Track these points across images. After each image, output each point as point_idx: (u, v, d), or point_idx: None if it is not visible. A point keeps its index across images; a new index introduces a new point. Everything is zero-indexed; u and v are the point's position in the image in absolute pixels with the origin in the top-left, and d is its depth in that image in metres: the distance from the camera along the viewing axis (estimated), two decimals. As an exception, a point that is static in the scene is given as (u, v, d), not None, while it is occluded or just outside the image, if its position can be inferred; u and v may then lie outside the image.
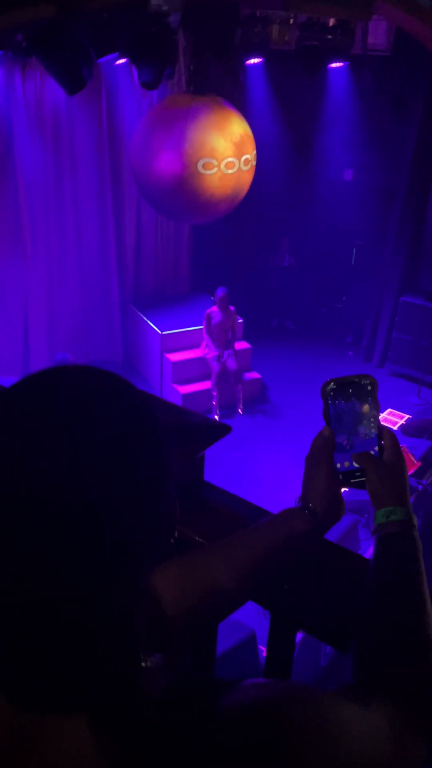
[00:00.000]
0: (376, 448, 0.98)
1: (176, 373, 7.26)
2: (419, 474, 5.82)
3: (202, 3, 5.03)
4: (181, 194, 5.40)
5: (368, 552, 0.94)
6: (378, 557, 0.88)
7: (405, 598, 0.81)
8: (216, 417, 7.13)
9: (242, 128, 5.57)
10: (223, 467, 6.16)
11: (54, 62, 4.13)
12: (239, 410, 7.29)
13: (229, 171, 5.42)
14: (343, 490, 1.00)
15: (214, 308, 7.03)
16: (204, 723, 0.58)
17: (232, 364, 7.06)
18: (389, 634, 0.78)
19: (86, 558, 0.55)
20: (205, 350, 7.17)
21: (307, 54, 5.71)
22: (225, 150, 5.35)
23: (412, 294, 7.77)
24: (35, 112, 6.61)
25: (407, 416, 7.07)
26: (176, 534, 0.66)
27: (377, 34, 6.72)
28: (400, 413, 7.20)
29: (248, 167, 5.63)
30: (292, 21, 6.05)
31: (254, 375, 7.62)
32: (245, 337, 7.73)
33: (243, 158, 5.50)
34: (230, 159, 5.40)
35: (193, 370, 7.28)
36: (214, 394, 7.12)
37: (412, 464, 5.63)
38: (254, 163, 5.73)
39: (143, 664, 0.65)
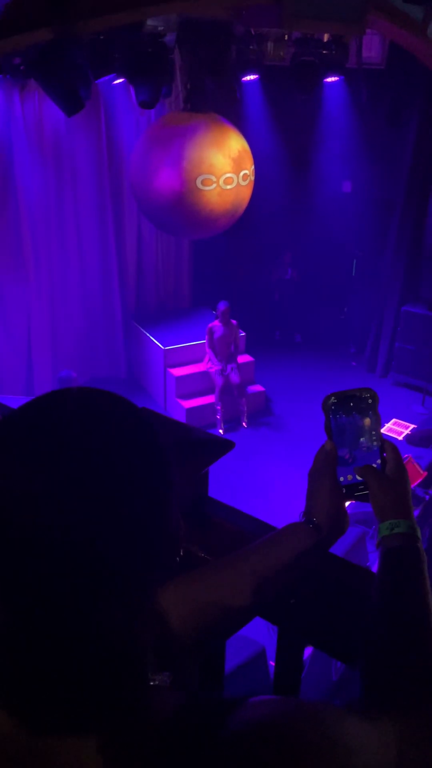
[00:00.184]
0: (379, 461, 0.99)
1: (180, 387, 7.28)
2: (426, 484, 5.80)
3: (197, 22, 5.10)
4: (180, 210, 5.45)
5: (375, 564, 0.94)
6: (383, 571, 0.88)
7: (411, 612, 0.81)
8: (220, 431, 7.13)
9: (240, 144, 5.63)
10: (228, 481, 6.15)
11: (52, 84, 4.18)
12: (243, 423, 7.28)
13: (228, 187, 5.47)
14: (347, 503, 1.00)
15: (216, 322, 7.06)
16: (212, 741, 0.58)
17: (235, 378, 7.07)
18: (395, 649, 0.78)
19: (92, 580, 0.55)
20: (208, 364, 7.18)
21: (303, 69, 5.76)
22: (223, 166, 5.40)
23: (413, 303, 7.78)
24: (35, 133, 6.69)
25: (412, 426, 7.06)
26: (181, 552, 0.67)
27: (371, 48, 6.80)
28: (405, 423, 7.18)
29: (247, 182, 5.68)
30: (286, 37, 6.13)
31: (258, 388, 7.63)
32: (248, 350, 7.75)
33: (241, 174, 5.55)
34: (229, 175, 5.45)
35: (197, 385, 7.29)
36: (218, 408, 7.12)
37: (419, 474, 5.60)
38: (252, 178, 5.78)
39: (152, 683, 0.65)
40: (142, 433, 0.61)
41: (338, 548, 4.44)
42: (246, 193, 5.76)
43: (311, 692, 3.67)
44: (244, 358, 7.53)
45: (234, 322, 7.09)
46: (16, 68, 5.08)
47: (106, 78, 5.00)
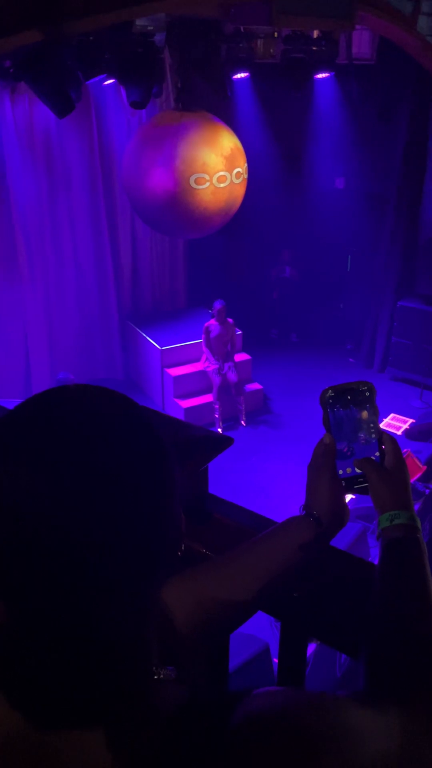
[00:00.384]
0: (377, 454, 0.99)
1: (177, 387, 7.28)
2: (425, 478, 5.81)
3: (186, 21, 5.10)
4: (174, 210, 5.45)
5: (377, 560, 0.95)
6: (384, 563, 0.88)
7: (412, 603, 0.82)
8: (219, 430, 7.13)
9: (232, 142, 5.63)
10: (228, 479, 6.15)
11: (42, 87, 4.18)
12: (242, 422, 7.29)
13: (222, 185, 5.47)
14: (349, 497, 1.01)
15: (213, 321, 7.06)
16: (217, 733, 0.59)
17: (232, 377, 7.08)
18: (398, 639, 0.78)
19: (95, 577, 0.55)
20: (205, 364, 7.18)
21: (293, 66, 5.77)
22: (216, 164, 5.40)
23: (408, 298, 7.79)
24: (26, 136, 6.68)
25: (411, 420, 7.06)
26: (183, 548, 0.67)
27: (361, 44, 6.80)
28: (404, 418, 7.19)
29: (240, 180, 5.68)
30: (276, 34, 6.13)
31: (255, 386, 7.63)
32: (245, 349, 7.75)
33: (234, 172, 5.55)
34: (222, 173, 5.45)
35: (194, 384, 7.29)
36: (216, 407, 7.12)
37: (418, 468, 5.61)
38: (246, 176, 5.78)
39: (156, 677, 0.65)
40: (142, 429, 0.61)
41: (340, 544, 4.45)
42: (240, 192, 5.76)
43: (316, 688, 3.68)
44: (241, 357, 7.53)
45: (230, 320, 7.09)
46: (6, 71, 5.07)
47: (97, 79, 5.00)
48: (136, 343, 7.91)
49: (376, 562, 0.92)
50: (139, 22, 4.67)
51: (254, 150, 6.56)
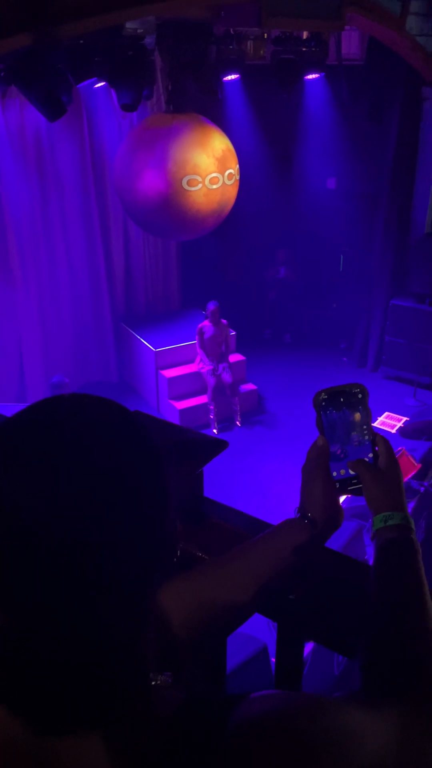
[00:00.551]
0: (371, 455, 1.00)
1: (172, 389, 7.28)
2: (420, 476, 5.83)
3: (176, 24, 5.11)
4: (167, 212, 5.46)
5: (372, 558, 0.96)
6: (378, 564, 0.89)
7: (407, 603, 0.83)
8: (214, 431, 7.14)
9: (224, 143, 5.64)
10: (224, 479, 6.16)
11: (33, 90, 4.18)
12: (237, 422, 7.30)
13: (214, 186, 5.48)
14: (342, 497, 1.01)
15: (206, 322, 7.07)
16: (214, 738, 0.59)
17: (227, 377, 7.09)
18: (393, 640, 0.79)
19: (92, 583, 0.56)
20: (199, 365, 7.19)
21: (283, 67, 5.79)
22: (208, 166, 5.41)
23: (401, 297, 7.82)
24: (18, 140, 6.67)
25: (405, 418, 7.09)
26: (178, 553, 0.68)
27: (351, 44, 6.83)
28: (398, 416, 7.22)
29: (232, 181, 5.69)
30: (266, 36, 6.15)
31: (250, 386, 7.64)
32: (239, 349, 7.76)
33: (226, 173, 5.56)
34: (214, 174, 5.46)
35: (189, 386, 7.30)
36: (211, 407, 7.13)
37: (413, 466, 5.63)
38: (238, 177, 5.79)
39: (153, 683, 0.66)
40: (136, 437, 0.62)
41: (336, 542, 4.46)
42: (232, 193, 5.77)
43: (314, 687, 3.69)
44: (235, 357, 7.54)
45: (224, 321, 7.10)
46: (-3, 75, 5.06)
47: (87, 82, 5.00)
48: (130, 345, 7.91)
49: (371, 560, 0.93)
50: (129, 25, 4.68)
51: (245, 151, 6.57)
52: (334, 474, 1.00)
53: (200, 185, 5.40)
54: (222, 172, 5.52)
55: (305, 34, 5.79)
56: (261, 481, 6.37)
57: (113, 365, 8.10)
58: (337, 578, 1.03)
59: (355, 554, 4.48)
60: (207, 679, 1.11)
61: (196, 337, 7.13)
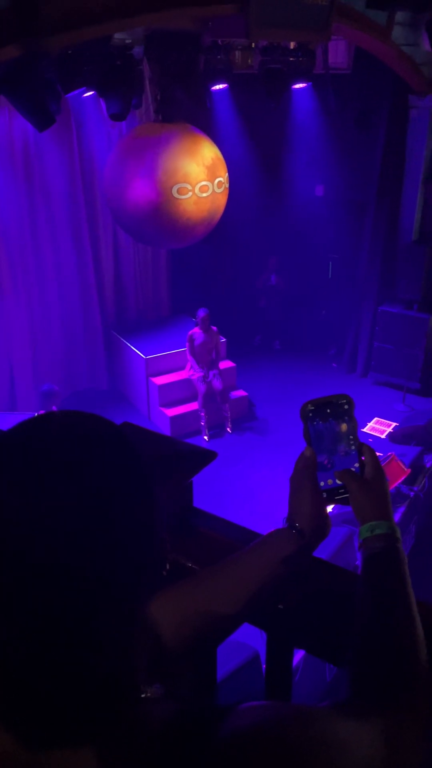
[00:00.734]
0: (357, 465, 1.01)
1: (163, 396, 7.28)
2: (410, 481, 5.86)
3: (165, 34, 5.14)
4: (158, 220, 5.47)
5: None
6: (365, 574, 0.90)
7: (393, 613, 0.84)
8: (205, 437, 7.15)
9: (213, 152, 5.67)
10: (216, 487, 6.16)
11: (22, 101, 4.19)
12: (228, 429, 7.31)
13: (204, 194, 5.51)
14: (329, 507, 1.03)
15: (196, 329, 7.08)
16: (203, 750, 0.60)
17: (217, 384, 7.10)
18: (380, 648, 0.81)
19: (82, 597, 0.57)
20: (189, 372, 7.20)
21: (271, 77, 5.83)
22: (198, 174, 5.44)
23: (389, 303, 7.87)
24: (6, 149, 6.67)
25: (394, 424, 7.13)
26: (167, 566, 0.69)
27: (337, 54, 6.90)
28: (387, 421, 7.26)
29: (222, 190, 5.72)
30: (254, 46, 6.20)
31: (241, 393, 7.66)
32: (229, 356, 7.78)
33: (216, 181, 5.59)
34: (204, 183, 5.49)
35: (180, 393, 7.30)
36: (202, 414, 7.14)
37: (403, 472, 5.65)
38: (227, 185, 5.83)
39: (144, 695, 0.67)
40: (124, 453, 0.63)
41: (326, 548, 4.48)
42: (222, 201, 5.80)
43: (306, 694, 3.70)
44: (225, 364, 7.56)
45: (214, 328, 7.12)
46: (-15, 85, 5.07)
47: (76, 92, 5.02)
48: (120, 352, 7.91)
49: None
50: (118, 36, 4.71)
51: (234, 160, 6.61)
52: (322, 484, 1.01)
53: (190, 193, 5.43)
54: (212, 181, 5.55)
55: (292, 44, 5.84)
56: (252, 488, 6.38)
57: (103, 373, 8.09)
58: (325, 587, 1.04)
59: (345, 560, 4.50)
60: (197, 689, 1.12)
61: (187, 344, 7.15)
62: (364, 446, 1.03)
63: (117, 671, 0.62)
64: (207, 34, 4.95)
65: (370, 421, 7.30)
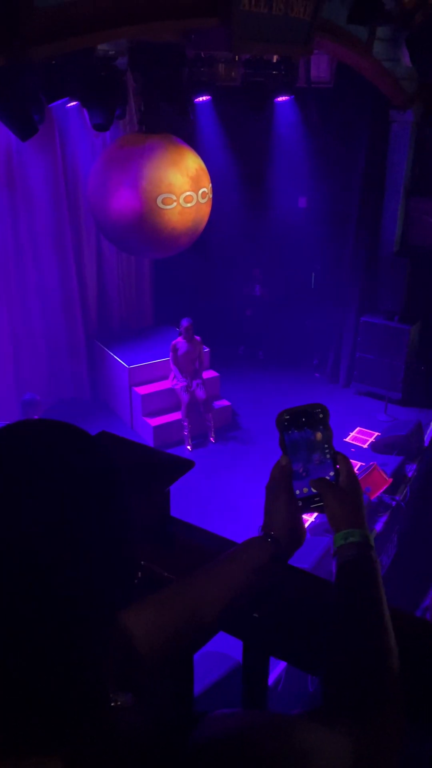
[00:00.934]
0: (332, 473, 1.02)
1: (146, 405, 7.27)
2: (392, 490, 5.89)
3: (149, 46, 5.18)
4: (143, 230, 5.49)
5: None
6: (338, 582, 0.91)
7: (365, 621, 0.85)
8: (188, 447, 7.14)
9: (197, 163, 5.71)
10: (199, 496, 6.15)
11: (5, 110, 4.19)
12: (211, 439, 7.31)
13: (188, 205, 5.54)
14: (312, 516, 1.03)
15: (180, 339, 7.09)
16: (174, 758, 0.60)
17: (201, 394, 7.10)
18: (352, 658, 0.81)
19: (52, 605, 0.57)
20: (173, 381, 7.20)
21: (254, 90, 5.89)
22: (183, 185, 5.47)
23: (371, 314, 7.95)
24: (-10, 157, 6.66)
25: (376, 433, 7.17)
26: (140, 574, 0.69)
27: (320, 68, 6.98)
28: (370, 431, 7.30)
29: (206, 200, 5.76)
30: (237, 58, 6.26)
31: (224, 403, 7.67)
32: (212, 366, 7.79)
33: (200, 191, 5.63)
34: (188, 193, 5.52)
35: (163, 402, 7.30)
36: (185, 424, 7.14)
37: (384, 481, 5.69)
38: (210, 195, 5.86)
39: (114, 704, 0.67)
40: (94, 461, 0.63)
41: (309, 557, 4.48)
42: (206, 211, 5.84)
43: (288, 704, 3.69)
44: (209, 374, 7.57)
45: (198, 338, 7.13)
46: (-32, 94, 5.06)
47: (60, 101, 5.03)
48: (103, 362, 7.89)
49: None
50: (102, 47, 4.73)
51: (217, 171, 6.65)
52: (297, 492, 1.02)
53: (175, 204, 5.46)
54: (196, 191, 5.59)
55: (275, 58, 5.91)
56: (235, 497, 6.38)
57: (86, 382, 8.06)
58: (301, 596, 1.04)
59: (327, 570, 4.50)
60: (173, 698, 1.11)
61: (170, 353, 7.15)
62: (339, 455, 1.04)
63: (87, 679, 0.62)
64: (190, 46, 5.00)
65: (352, 431, 7.35)
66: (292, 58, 5.95)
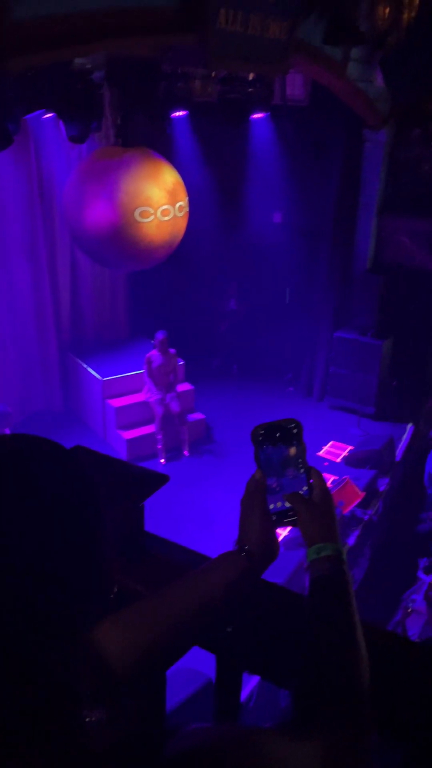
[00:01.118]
0: (305, 488, 1.03)
1: (119, 418, 7.23)
2: (364, 504, 5.94)
3: (125, 60, 5.22)
4: (120, 243, 5.50)
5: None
6: (311, 597, 0.92)
7: (336, 636, 0.85)
8: (162, 461, 7.11)
9: (174, 177, 5.75)
10: (173, 509, 6.13)
11: (-20, 120, 4.17)
12: (185, 452, 7.29)
13: (166, 218, 5.57)
14: (286, 530, 1.04)
15: (154, 352, 7.08)
16: None
17: (175, 407, 7.09)
18: (321, 672, 0.82)
19: (24, 619, 0.57)
20: (147, 394, 7.18)
21: (229, 106, 5.96)
22: (160, 198, 5.50)
23: (345, 329, 8.04)
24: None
25: (349, 447, 7.23)
26: (115, 589, 0.69)
27: (295, 87, 7.09)
28: (343, 445, 7.36)
29: (182, 213, 5.80)
30: (213, 75, 6.33)
31: (198, 416, 7.67)
32: (187, 379, 7.79)
33: (177, 205, 5.67)
34: (166, 206, 5.55)
35: (137, 415, 7.26)
36: (159, 437, 7.11)
37: (357, 495, 5.74)
38: (187, 209, 5.90)
39: (87, 720, 0.66)
40: (67, 475, 0.64)
41: (283, 572, 4.49)
42: (182, 224, 5.87)
43: (261, 720, 3.67)
44: (183, 387, 7.56)
45: (172, 350, 7.13)
46: None
47: (36, 113, 5.03)
48: (76, 374, 7.84)
49: None
50: (78, 60, 4.75)
51: (194, 185, 6.70)
52: (271, 507, 1.02)
53: (152, 217, 5.48)
54: (173, 204, 5.62)
55: (251, 75, 6.00)
56: (209, 511, 6.36)
57: (58, 394, 7.99)
58: (273, 610, 1.05)
59: (301, 585, 4.51)
60: (146, 714, 1.10)
61: (144, 366, 7.13)
62: (312, 470, 1.05)
63: (58, 694, 0.61)
64: (167, 62, 5.04)
65: (326, 445, 7.39)
66: (268, 76, 6.04)
